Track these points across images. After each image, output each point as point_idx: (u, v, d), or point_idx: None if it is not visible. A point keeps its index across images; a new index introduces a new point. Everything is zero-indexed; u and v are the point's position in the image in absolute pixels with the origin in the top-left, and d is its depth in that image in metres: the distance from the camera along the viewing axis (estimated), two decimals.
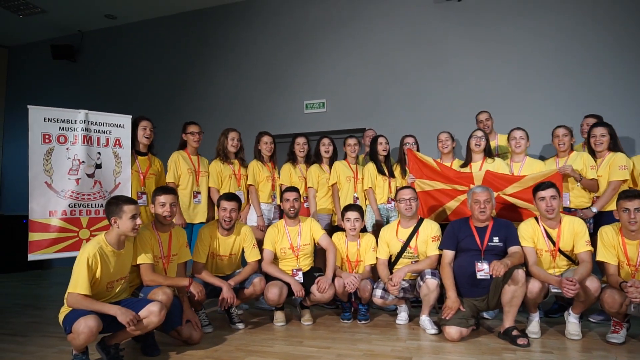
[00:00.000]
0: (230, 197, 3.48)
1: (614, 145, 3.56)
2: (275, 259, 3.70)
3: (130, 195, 3.54)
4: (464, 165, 4.01)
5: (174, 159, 3.96)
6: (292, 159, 4.30)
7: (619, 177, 3.45)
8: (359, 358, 2.72)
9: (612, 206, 3.35)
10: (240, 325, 3.46)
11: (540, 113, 5.05)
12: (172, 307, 2.83)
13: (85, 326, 2.40)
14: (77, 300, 2.51)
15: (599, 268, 3.16)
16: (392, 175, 4.22)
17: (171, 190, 3.19)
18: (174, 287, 3.02)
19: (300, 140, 4.30)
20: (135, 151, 3.78)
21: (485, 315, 3.55)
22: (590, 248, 3.07)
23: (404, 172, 4.27)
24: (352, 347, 2.95)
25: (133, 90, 7.22)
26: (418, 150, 4.30)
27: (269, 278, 3.55)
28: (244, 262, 3.66)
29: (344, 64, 6.08)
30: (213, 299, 3.40)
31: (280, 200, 3.83)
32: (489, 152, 3.96)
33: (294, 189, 3.76)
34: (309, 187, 4.15)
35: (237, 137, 4.18)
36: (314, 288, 3.44)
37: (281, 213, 4.09)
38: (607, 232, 3.03)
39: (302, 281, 3.54)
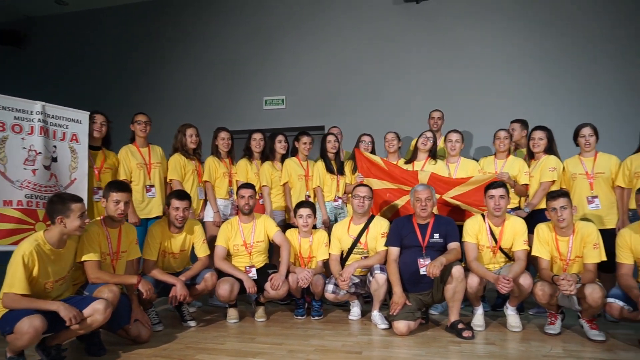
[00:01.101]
0: (182, 195, 3.42)
1: (550, 149, 3.76)
2: (228, 256, 3.67)
3: (86, 191, 3.44)
4: (408, 162, 4.13)
5: (122, 154, 3.85)
6: (249, 155, 4.27)
7: (548, 179, 3.65)
8: (310, 353, 2.75)
9: (543, 205, 3.54)
10: (192, 323, 3.42)
11: (491, 115, 5.24)
12: (119, 305, 2.76)
13: (30, 326, 2.29)
14: (13, 300, 2.39)
15: (532, 264, 3.33)
16: (341, 173, 4.26)
17: (126, 187, 3.10)
18: (122, 284, 2.95)
19: (257, 136, 4.27)
20: (88, 145, 3.63)
21: (433, 311, 3.67)
22: (526, 247, 3.24)
23: (355, 170, 4.33)
24: (304, 342, 2.97)
25: (85, 82, 6.91)
26: (374, 149, 4.37)
27: (221, 275, 3.52)
28: (193, 259, 3.62)
29: (304, 61, 6.09)
30: (165, 297, 3.33)
31: (236, 197, 3.80)
32: (433, 154, 4.09)
33: (249, 185, 3.74)
34: (263, 186, 4.14)
35: (194, 132, 4.11)
36: (267, 285, 3.44)
37: (237, 209, 4.05)
38: (542, 229, 3.21)
39: (255, 278, 3.53)
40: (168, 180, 4.01)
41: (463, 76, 5.55)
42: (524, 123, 4.31)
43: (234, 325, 3.45)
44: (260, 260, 3.70)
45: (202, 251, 3.55)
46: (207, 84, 6.41)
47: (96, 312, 2.52)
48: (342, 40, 5.97)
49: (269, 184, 4.15)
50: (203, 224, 3.94)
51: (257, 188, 4.10)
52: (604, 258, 3.01)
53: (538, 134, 3.77)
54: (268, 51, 6.22)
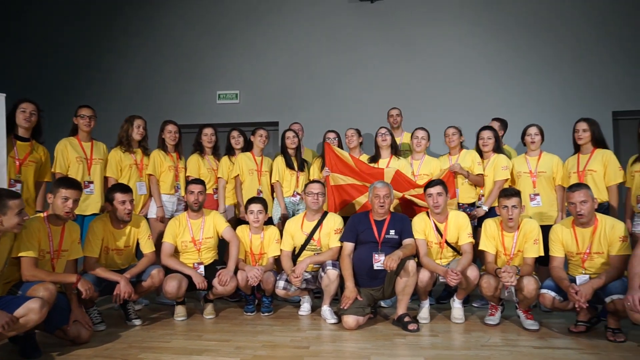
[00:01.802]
0: (126, 188, 3.32)
1: (498, 147, 3.93)
2: (176, 253, 3.59)
3: (5, 183, 3.22)
4: (372, 160, 4.19)
5: (60, 147, 3.66)
6: (200, 150, 4.19)
7: (502, 177, 3.82)
8: (258, 349, 2.74)
9: (495, 202, 3.69)
10: (137, 322, 3.32)
11: (446, 112, 5.41)
12: (57, 304, 2.63)
13: None
14: None
15: (479, 257, 3.48)
16: (301, 169, 4.27)
17: (77, 185, 2.95)
18: (60, 283, 2.81)
19: (208, 131, 4.20)
20: (15, 136, 3.42)
21: (382, 303, 3.75)
22: (471, 240, 3.38)
23: (324, 166, 4.34)
24: (252, 338, 2.96)
25: (19, 68, 6.44)
26: (340, 145, 4.41)
27: (169, 272, 3.44)
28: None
29: (259, 56, 6.02)
30: (110, 295, 3.21)
31: (185, 192, 3.72)
32: (396, 150, 4.18)
33: (199, 181, 3.67)
34: (219, 178, 4.09)
35: (142, 124, 3.98)
36: (215, 281, 3.39)
37: (186, 205, 3.97)
38: (489, 225, 3.36)
39: (204, 274, 3.47)
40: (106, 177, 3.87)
41: (418, 74, 5.67)
42: (502, 122, 4.43)
43: (182, 323, 3.38)
44: (209, 257, 3.64)
45: (147, 247, 3.45)
46: (156, 76, 6.17)
47: (31, 311, 2.39)
48: (298, 36, 5.96)
49: (225, 177, 4.09)
50: (147, 219, 3.84)
51: (209, 184, 4.04)
52: (542, 253, 3.19)
53: (487, 134, 3.93)
54: (222, 45, 6.09)
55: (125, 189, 3.31)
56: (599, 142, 3.61)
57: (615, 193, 3.50)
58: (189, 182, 3.73)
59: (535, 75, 5.49)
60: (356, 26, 5.86)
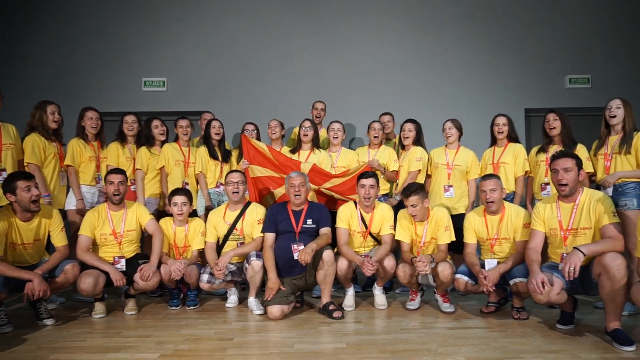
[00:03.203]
0: (27, 175, 3.05)
1: (418, 140, 4.11)
2: (94, 246, 3.41)
3: None
4: (293, 151, 4.22)
5: None
6: (121, 138, 4.00)
7: (414, 168, 4.01)
8: (179, 343, 2.68)
9: None
10: (49, 321, 3.11)
11: (369, 107, 5.53)
12: None
13: None
14: None
15: (398, 246, 3.64)
16: (225, 160, 4.20)
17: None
18: None
19: (129, 119, 4.01)
20: None
21: (314, 294, 3.81)
22: (392, 232, 3.52)
23: (240, 157, 4.31)
24: (175, 333, 2.89)
25: None
26: (258, 137, 4.37)
27: (85, 267, 3.25)
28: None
29: (188, 44, 5.81)
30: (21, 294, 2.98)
31: (104, 183, 3.53)
32: (316, 143, 4.23)
33: (119, 170, 3.50)
34: (137, 169, 3.91)
35: (57, 110, 3.71)
36: (136, 276, 3.27)
37: (106, 196, 3.77)
38: (404, 216, 3.51)
39: (124, 269, 3.33)
40: (25, 164, 3.56)
41: (344, 68, 5.78)
42: (392, 116, 4.63)
43: (100, 321, 3.22)
44: (130, 250, 3.49)
45: (59, 240, 3.23)
46: (77, 62, 5.76)
47: None
48: (227, 25, 5.82)
49: (143, 168, 3.93)
50: (65, 212, 3.61)
51: (129, 173, 3.86)
52: (454, 238, 3.40)
53: (408, 127, 4.09)
54: (149, 30, 5.80)
55: (28, 175, 3.03)
56: (512, 136, 3.89)
57: (522, 183, 3.79)
58: (108, 171, 3.54)
59: (455, 72, 5.81)
60: (286, 18, 5.85)
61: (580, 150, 3.49)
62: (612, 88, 5.55)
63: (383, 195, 4.09)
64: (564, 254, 2.74)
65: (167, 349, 2.59)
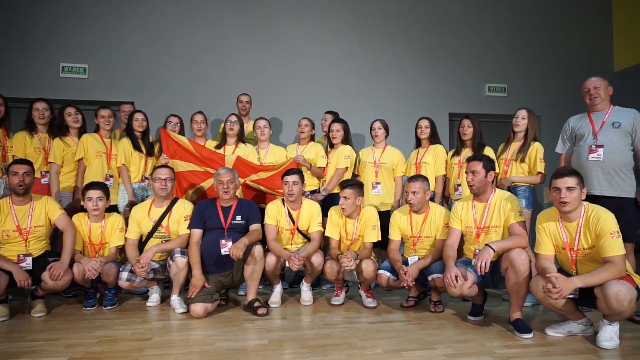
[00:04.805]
0: None
1: (346, 139, 4.20)
2: None
3: None
4: (218, 147, 4.14)
5: None
6: (30, 127, 3.68)
7: (342, 165, 4.10)
8: (92, 346, 2.53)
9: (336, 188, 3.92)
10: None
11: (300, 104, 5.60)
12: None
13: None
14: None
15: (326, 243, 3.69)
16: (150, 153, 4.02)
17: None
18: None
19: (40, 106, 3.70)
20: None
21: (240, 292, 3.76)
22: (320, 229, 3.56)
23: (161, 152, 4.14)
24: (88, 334, 2.72)
25: None
26: (182, 130, 4.23)
27: None
28: None
29: (114, 29, 5.47)
30: None
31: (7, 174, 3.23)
32: (241, 138, 4.18)
33: (24, 161, 3.21)
34: (50, 162, 3.62)
35: None
36: (45, 275, 3.03)
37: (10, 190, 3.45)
38: (335, 212, 3.57)
39: (30, 268, 3.08)
40: None
41: (275, 64, 5.76)
42: (335, 114, 4.65)
43: (2, 324, 2.95)
44: (39, 247, 3.23)
45: None
46: None
47: None
48: (157, 14, 5.57)
49: (57, 161, 3.66)
50: None
51: (39, 165, 3.58)
52: (380, 238, 3.50)
53: (336, 127, 4.15)
54: (69, 10, 5.39)
55: None
56: (434, 138, 4.08)
57: (441, 183, 4.00)
58: (11, 162, 3.25)
59: (386, 76, 6.03)
60: (218, 10, 5.71)
61: (487, 153, 3.74)
62: (525, 97, 6.07)
63: (311, 191, 4.13)
64: (477, 250, 2.93)
65: (77, 352, 2.43)
